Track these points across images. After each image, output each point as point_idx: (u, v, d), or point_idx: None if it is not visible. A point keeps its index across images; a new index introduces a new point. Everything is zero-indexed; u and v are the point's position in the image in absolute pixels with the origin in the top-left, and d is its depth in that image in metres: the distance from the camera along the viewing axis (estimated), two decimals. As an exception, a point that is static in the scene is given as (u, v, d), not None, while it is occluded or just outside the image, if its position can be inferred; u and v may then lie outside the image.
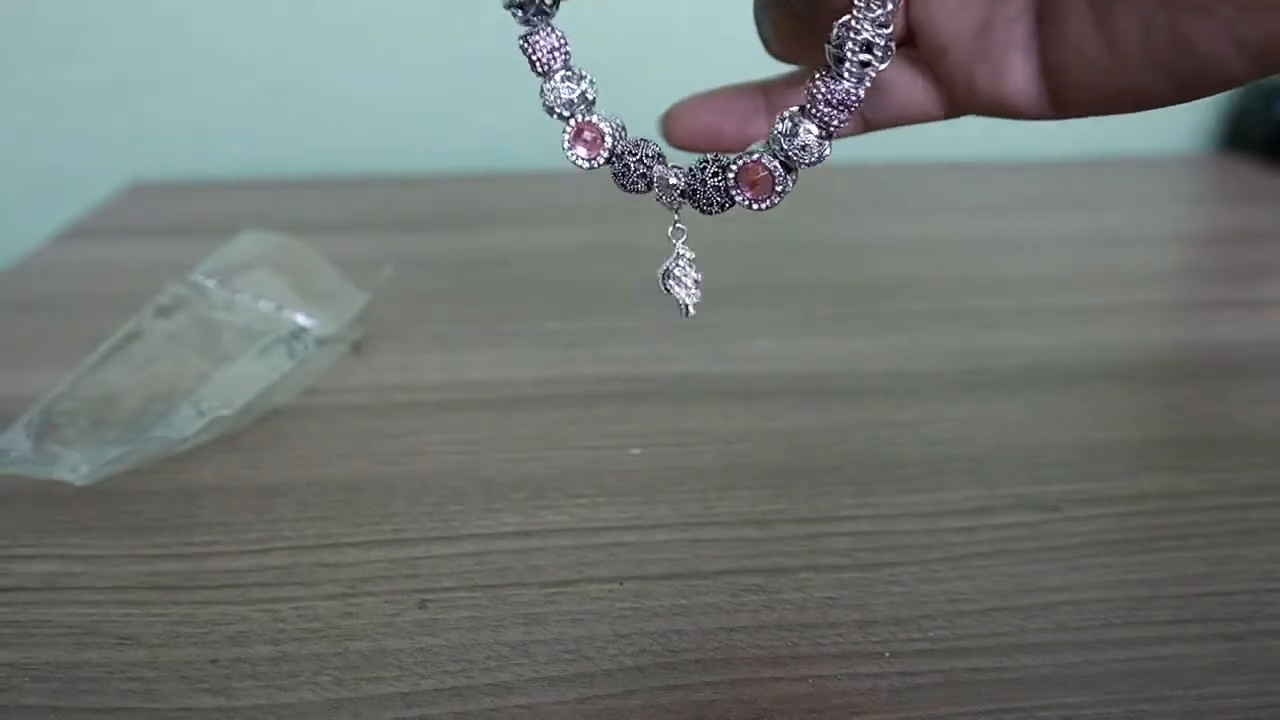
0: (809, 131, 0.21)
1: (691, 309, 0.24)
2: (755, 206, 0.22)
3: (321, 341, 0.37)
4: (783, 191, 0.22)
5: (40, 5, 0.62)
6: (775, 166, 0.21)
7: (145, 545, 0.28)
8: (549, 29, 0.22)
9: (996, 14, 0.23)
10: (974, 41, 0.23)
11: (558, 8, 0.22)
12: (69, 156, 0.65)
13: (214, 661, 0.24)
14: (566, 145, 0.23)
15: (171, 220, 0.57)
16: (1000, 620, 0.25)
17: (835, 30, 0.20)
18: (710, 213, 0.23)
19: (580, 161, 0.23)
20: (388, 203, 0.60)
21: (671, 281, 0.24)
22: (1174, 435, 0.33)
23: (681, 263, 0.24)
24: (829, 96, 0.20)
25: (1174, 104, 0.21)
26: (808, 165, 0.21)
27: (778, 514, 0.29)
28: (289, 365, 0.35)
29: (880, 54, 0.20)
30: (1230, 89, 0.21)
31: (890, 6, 0.20)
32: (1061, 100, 0.23)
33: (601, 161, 0.23)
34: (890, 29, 0.20)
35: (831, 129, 0.21)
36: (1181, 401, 0.35)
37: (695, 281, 0.24)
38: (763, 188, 0.22)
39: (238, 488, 0.30)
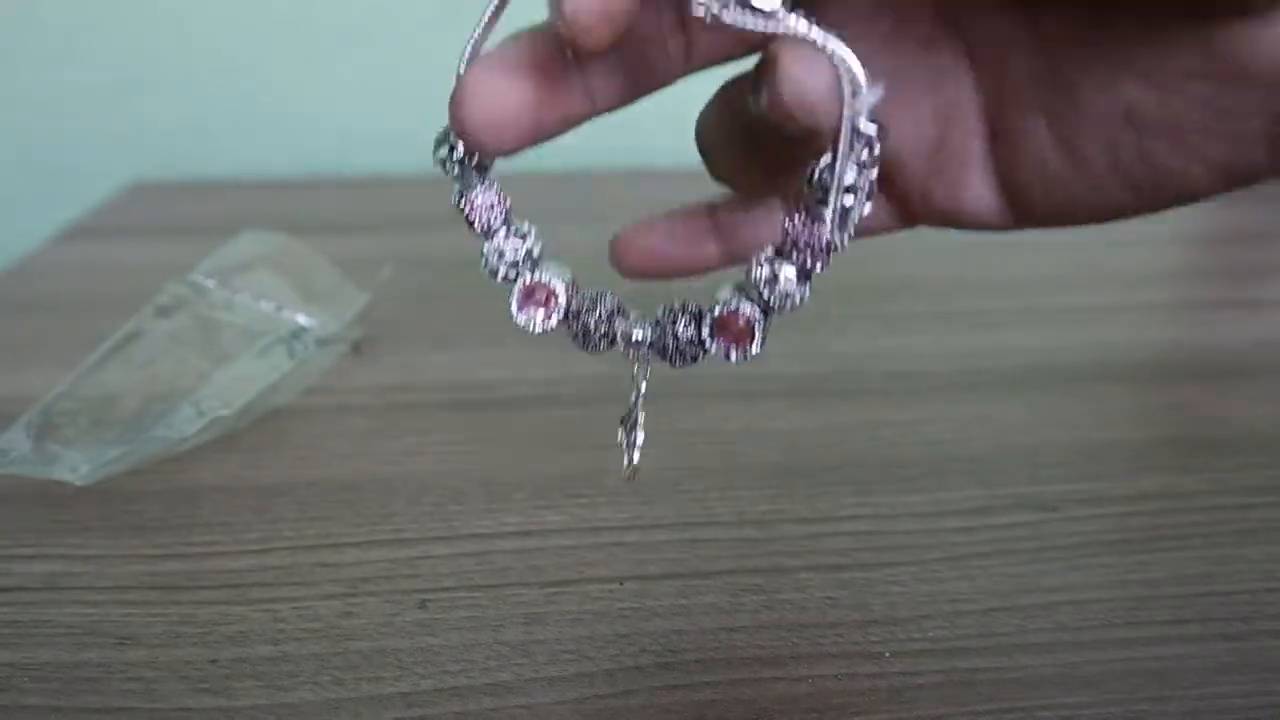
0: (789, 278, 0.19)
1: (630, 469, 0.23)
2: (734, 357, 0.20)
3: (322, 341, 0.37)
4: (763, 340, 0.20)
5: (40, 5, 0.62)
6: (755, 313, 0.20)
7: (145, 545, 0.28)
8: (487, 184, 0.21)
9: (950, 132, 0.23)
10: (929, 158, 0.23)
11: (494, 164, 0.21)
12: (69, 156, 0.65)
13: (214, 661, 0.24)
14: (516, 308, 0.21)
15: (171, 220, 0.57)
16: (1000, 620, 0.25)
17: (817, 173, 0.18)
18: (678, 366, 0.21)
19: (533, 325, 0.21)
20: (388, 203, 0.60)
21: (624, 438, 0.23)
22: (1174, 435, 0.33)
23: (635, 417, 0.23)
24: (811, 240, 0.19)
25: (1139, 215, 0.21)
26: (789, 310, 0.20)
27: (778, 514, 0.29)
28: (289, 365, 0.35)
29: (866, 196, 0.18)
30: (1197, 202, 0.20)
31: (876, 151, 0.18)
32: (1022, 214, 0.22)
33: (555, 323, 0.21)
34: (875, 170, 0.18)
35: (812, 273, 0.19)
36: (1181, 401, 0.35)
37: (635, 442, 0.23)
38: (744, 337, 0.20)
39: (238, 488, 0.30)
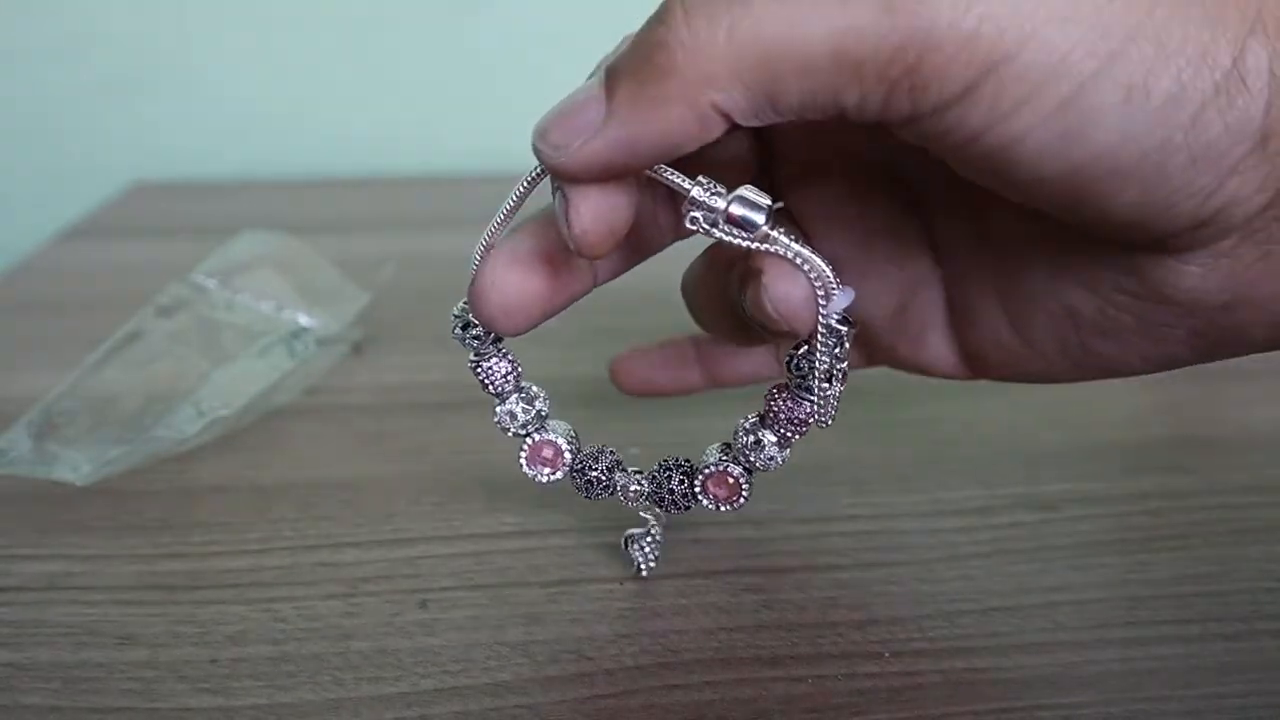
0: (771, 444, 0.22)
1: (645, 570, 0.26)
2: (723, 509, 0.24)
3: (322, 341, 0.37)
4: (748, 495, 0.24)
5: (40, 5, 0.62)
6: (740, 473, 0.23)
7: (145, 545, 0.28)
8: (501, 353, 0.23)
9: (912, 300, 0.25)
10: (892, 319, 0.25)
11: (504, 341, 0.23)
12: (69, 156, 0.65)
13: (214, 661, 0.24)
14: (524, 464, 0.24)
15: (171, 220, 0.57)
16: (999, 620, 0.25)
17: (795, 360, 0.21)
18: (672, 514, 0.24)
19: (540, 477, 0.24)
20: (388, 203, 0.60)
21: (635, 547, 0.26)
22: (1172, 435, 0.33)
23: (653, 534, 0.25)
24: (791, 416, 0.22)
25: (1089, 381, 0.24)
26: (769, 471, 0.23)
27: (777, 513, 0.29)
28: (289, 365, 0.35)
29: (841, 380, 0.21)
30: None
31: (847, 345, 0.21)
32: (980, 371, 0.25)
33: (560, 475, 0.24)
34: (846, 362, 0.21)
35: (791, 442, 0.22)
36: (1180, 401, 0.35)
37: (655, 548, 0.26)
38: (733, 494, 0.24)
39: (238, 488, 0.30)
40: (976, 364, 0.25)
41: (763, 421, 0.22)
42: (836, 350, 0.21)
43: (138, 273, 0.47)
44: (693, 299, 0.27)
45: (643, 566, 0.26)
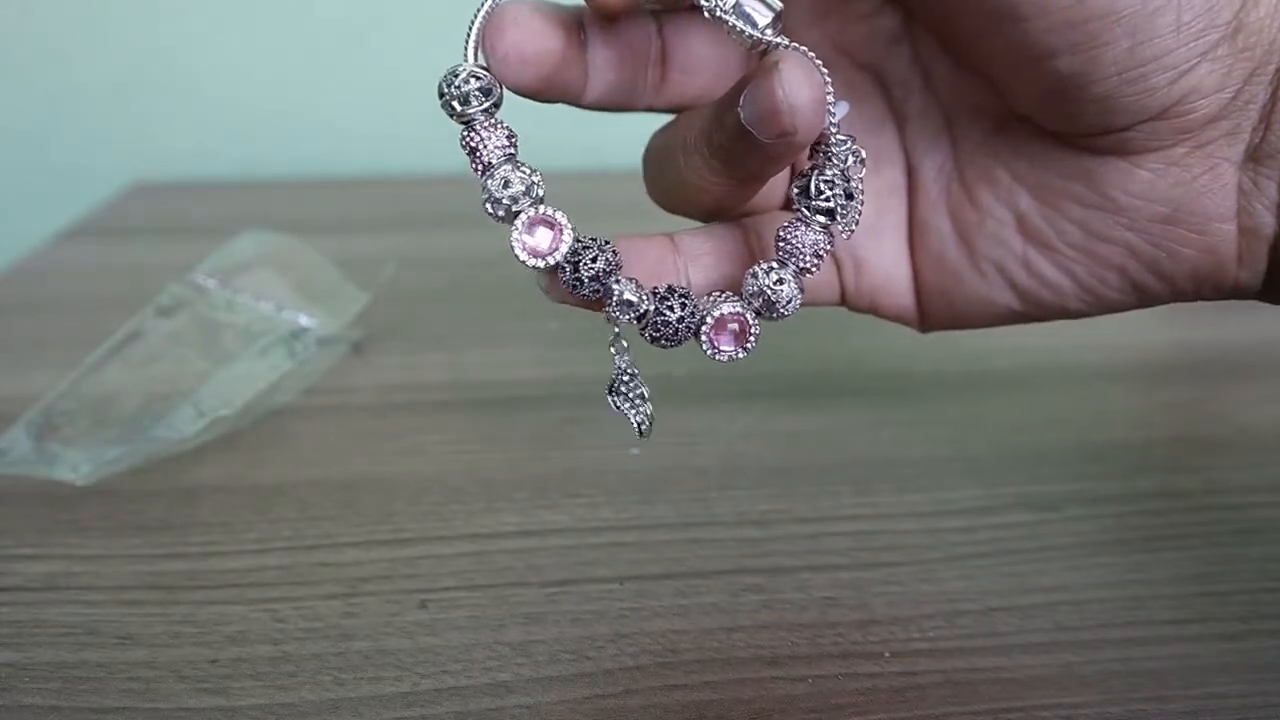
0: (791, 280, 0.21)
1: (644, 429, 0.23)
2: (720, 357, 0.22)
3: (322, 342, 0.37)
4: (750, 347, 0.22)
5: (40, 6, 0.62)
6: (751, 317, 0.22)
7: (145, 545, 0.28)
8: (494, 123, 0.21)
9: (883, 208, 0.25)
10: (866, 231, 0.25)
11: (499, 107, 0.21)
12: (69, 156, 0.65)
13: (214, 661, 0.24)
14: (516, 240, 0.21)
15: (171, 220, 0.57)
16: (999, 620, 0.25)
17: (805, 182, 0.21)
18: (657, 343, 0.22)
19: (540, 251, 0.21)
20: (388, 203, 0.60)
21: (619, 399, 0.23)
22: (1173, 435, 0.33)
23: (625, 378, 0.23)
24: (805, 247, 0.21)
25: (1022, 322, 0.25)
26: (787, 314, 0.21)
27: (778, 514, 0.29)
28: (289, 365, 0.35)
29: (860, 190, 0.21)
30: (1071, 318, 0.24)
31: (863, 154, 0.21)
32: (924, 300, 0.25)
33: (555, 259, 0.21)
34: (864, 173, 0.21)
35: (811, 273, 0.21)
36: (1181, 401, 0.35)
37: (643, 396, 0.23)
38: (743, 338, 0.22)
39: (238, 488, 0.30)
40: (921, 290, 0.25)
41: (781, 264, 0.21)
42: (849, 160, 0.21)
43: (138, 273, 0.47)
44: (655, 155, 0.25)
45: (640, 425, 0.23)
